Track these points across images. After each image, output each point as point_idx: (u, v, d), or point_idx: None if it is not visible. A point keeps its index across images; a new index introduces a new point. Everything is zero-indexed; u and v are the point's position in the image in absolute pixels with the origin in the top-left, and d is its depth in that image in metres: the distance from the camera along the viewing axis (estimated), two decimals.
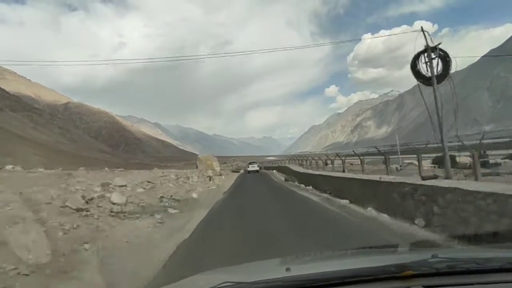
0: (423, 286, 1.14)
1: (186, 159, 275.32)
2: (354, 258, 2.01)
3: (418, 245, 3.84)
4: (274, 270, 1.72)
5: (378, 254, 2.10)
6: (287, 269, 1.36)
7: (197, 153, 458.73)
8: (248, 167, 39.88)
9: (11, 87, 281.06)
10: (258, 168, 38.46)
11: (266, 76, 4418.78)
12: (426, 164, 20.42)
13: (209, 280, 1.45)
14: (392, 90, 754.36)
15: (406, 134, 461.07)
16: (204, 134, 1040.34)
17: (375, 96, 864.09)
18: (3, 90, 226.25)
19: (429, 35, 9.12)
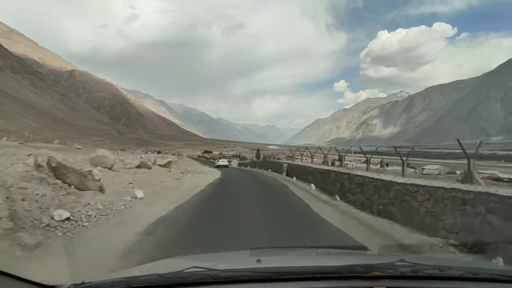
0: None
1: (186, 139, 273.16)
2: (324, 256, 2.12)
3: (387, 249, 4.08)
4: (244, 260, 1.77)
5: (347, 254, 2.21)
6: (258, 261, 1.39)
7: (199, 134, 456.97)
8: (218, 161, 41.37)
9: (16, 49, 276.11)
10: (227, 163, 40.61)
11: (276, 64, 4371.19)
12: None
13: (177, 265, 1.43)
14: (401, 91, 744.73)
15: (412, 136, 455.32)
16: (208, 116, 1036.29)
17: (384, 95, 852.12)
18: (6, 49, 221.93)
19: None
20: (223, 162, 39.68)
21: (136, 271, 1.51)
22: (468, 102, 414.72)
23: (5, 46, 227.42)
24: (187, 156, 55.89)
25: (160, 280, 1.19)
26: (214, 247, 4.43)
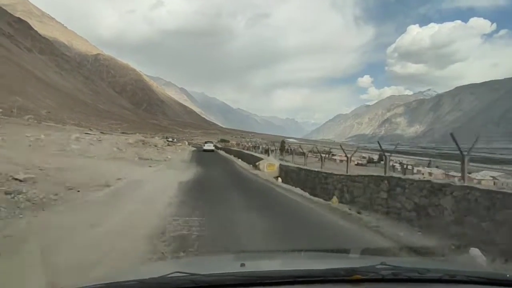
0: None
1: (205, 128, 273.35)
2: (307, 259, 2.17)
3: (369, 252, 4.07)
4: (228, 264, 1.79)
5: (330, 257, 2.28)
6: (242, 265, 1.40)
7: (218, 123, 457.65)
8: (204, 146, 43.81)
9: (46, 31, 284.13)
10: (213, 148, 43.16)
11: (298, 57, 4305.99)
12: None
13: (159, 269, 1.43)
14: (429, 89, 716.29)
15: (438, 137, 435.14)
16: (228, 106, 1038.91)
17: (410, 93, 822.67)
18: (36, 32, 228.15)
19: None
20: (209, 146, 42.11)
21: (117, 276, 1.48)
22: (502, 104, 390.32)
23: (36, 29, 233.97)
24: (188, 144, 61.24)
25: (141, 285, 1.18)
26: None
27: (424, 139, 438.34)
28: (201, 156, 29.19)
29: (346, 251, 2.51)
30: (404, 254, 4.45)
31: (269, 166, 17.40)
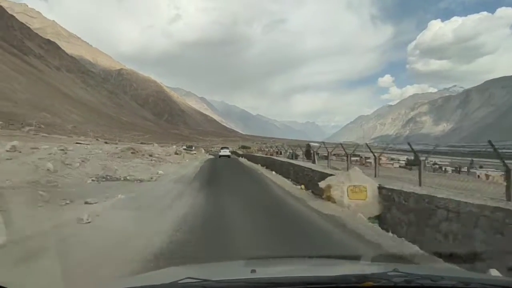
0: None
1: (225, 136, 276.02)
2: (318, 265, 2.12)
3: (381, 258, 3.89)
4: (239, 271, 1.78)
5: (341, 264, 2.23)
6: (252, 271, 1.39)
7: (238, 130, 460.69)
8: (220, 151, 42.41)
9: (73, 50, 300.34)
10: (229, 154, 41.93)
11: (316, 60, 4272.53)
12: None
13: (171, 276, 1.44)
14: (454, 86, 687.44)
15: (467, 135, 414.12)
16: (247, 113, 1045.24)
17: (434, 90, 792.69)
18: (63, 51, 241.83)
19: None
20: (224, 152, 40.74)
21: (129, 283, 1.48)
22: None
23: (64, 48, 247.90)
24: (206, 151, 59.20)
25: None
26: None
27: (452, 137, 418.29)
28: (214, 167, 22.38)
29: (357, 257, 2.44)
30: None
31: (354, 191, 7.72)
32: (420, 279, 1.28)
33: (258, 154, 38.52)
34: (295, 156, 23.61)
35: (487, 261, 3.75)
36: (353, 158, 12.17)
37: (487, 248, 3.86)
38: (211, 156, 43.29)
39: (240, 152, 57.05)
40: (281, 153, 31.92)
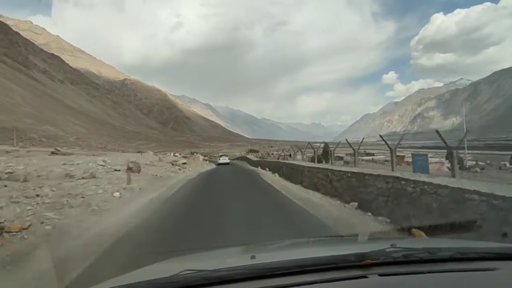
0: (378, 275, 1.20)
1: (231, 140, 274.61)
2: (316, 247, 2.15)
3: (377, 235, 3.99)
4: (238, 257, 1.77)
5: (339, 244, 2.24)
6: (252, 257, 1.38)
7: (244, 135, 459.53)
8: (219, 159, 40.72)
9: (77, 63, 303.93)
10: (228, 161, 40.37)
11: (319, 60, 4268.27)
12: None
13: (169, 268, 1.43)
14: (461, 78, 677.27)
15: (477, 128, 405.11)
16: (252, 117, 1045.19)
17: (440, 84, 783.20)
18: (67, 65, 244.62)
19: None
20: (224, 160, 38.86)
21: (125, 279, 1.46)
22: None
23: (69, 62, 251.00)
24: (204, 159, 48.64)
25: (150, 287, 1.17)
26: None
27: (463, 131, 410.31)
28: (202, 193, 11.47)
29: (354, 236, 2.44)
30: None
31: None
32: (418, 253, 1.31)
33: (280, 160, 26.67)
34: (315, 158, 17.15)
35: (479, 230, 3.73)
36: (379, 157, 9.22)
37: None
38: (210, 168, 30.41)
39: (253, 158, 41.58)
40: (290, 156, 26.60)
